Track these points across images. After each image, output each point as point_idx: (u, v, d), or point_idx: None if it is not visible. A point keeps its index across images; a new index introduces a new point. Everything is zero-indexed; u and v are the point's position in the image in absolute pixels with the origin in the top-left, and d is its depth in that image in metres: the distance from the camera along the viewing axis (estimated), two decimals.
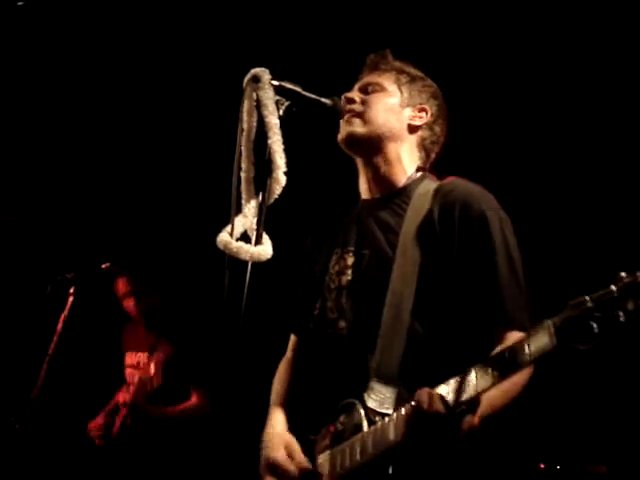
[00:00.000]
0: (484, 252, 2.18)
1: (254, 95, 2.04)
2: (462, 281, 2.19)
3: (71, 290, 4.30)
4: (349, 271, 2.38)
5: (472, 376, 1.77)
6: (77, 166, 5.55)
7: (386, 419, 2.00)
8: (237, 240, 1.97)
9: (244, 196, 2.08)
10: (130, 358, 4.63)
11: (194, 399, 4.40)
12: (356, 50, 2.64)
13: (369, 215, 2.42)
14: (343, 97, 2.39)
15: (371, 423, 2.05)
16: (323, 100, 2.24)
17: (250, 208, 2.05)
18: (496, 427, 2.09)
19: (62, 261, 4.91)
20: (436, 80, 2.59)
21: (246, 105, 2.05)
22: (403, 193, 2.40)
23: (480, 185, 2.33)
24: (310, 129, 2.38)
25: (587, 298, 1.54)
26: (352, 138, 2.42)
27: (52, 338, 4.17)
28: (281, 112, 2.05)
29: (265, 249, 1.97)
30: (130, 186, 5.61)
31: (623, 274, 1.49)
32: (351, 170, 2.54)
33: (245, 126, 2.05)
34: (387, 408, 2.05)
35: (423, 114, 2.50)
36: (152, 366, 4.40)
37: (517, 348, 1.69)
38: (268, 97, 2.02)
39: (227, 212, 2.00)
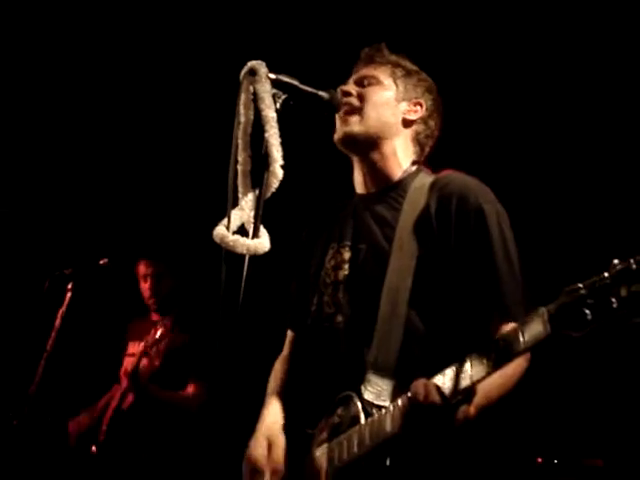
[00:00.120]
0: (481, 246, 2.19)
1: (251, 88, 2.02)
2: (459, 275, 2.20)
3: (69, 286, 4.31)
4: (346, 265, 2.38)
5: (467, 366, 1.78)
6: (75, 161, 5.54)
7: (383, 411, 2.00)
8: (234, 234, 1.97)
9: (241, 189, 2.06)
10: (133, 347, 4.63)
11: (190, 389, 4.41)
12: (352, 43, 2.63)
13: (365, 209, 2.43)
14: (339, 90, 2.38)
15: (368, 415, 2.05)
16: (320, 93, 2.24)
17: (247, 201, 2.05)
18: (493, 420, 2.10)
19: (60, 257, 4.92)
20: (429, 73, 2.59)
21: (243, 98, 2.04)
22: (399, 187, 2.40)
23: (476, 178, 2.33)
24: (307, 122, 2.38)
25: (580, 285, 1.55)
26: (349, 138, 2.42)
27: (50, 334, 4.18)
28: (278, 105, 2.04)
29: (262, 242, 1.96)
30: (127, 181, 5.60)
31: (616, 261, 1.50)
32: (347, 164, 2.54)
33: (242, 119, 2.04)
34: (384, 400, 2.06)
35: (418, 108, 2.49)
36: (160, 330, 4.38)
37: (511, 337, 1.70)
38: (265, 90, 2.01)
39: (224, 206, 2.00)
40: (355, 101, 2.43)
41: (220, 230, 1.96)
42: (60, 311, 4.24)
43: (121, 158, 5.55)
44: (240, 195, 2.07)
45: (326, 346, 2.33)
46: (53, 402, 4.87)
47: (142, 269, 4.79)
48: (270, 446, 2.28)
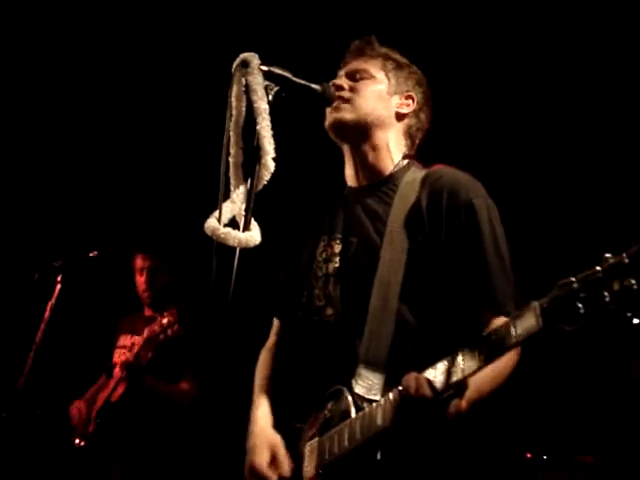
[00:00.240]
0: (472, 241, 2.19)
1: (243, 80, 2.01)
2: (450, 269, 2.20)
3: (58, 278, 4.29)
4: (336, 259, 2.38)
5: (459, 359, 1.78)
6: (65, 154, 5.52)
7: (374, 405, 2.00)
8: (225, 226, 1.96)
9: (232, 182, 2.06)
10: (124, 340, 4.62)
11: (184, 385, 4.41)
12: (345, 36, 2.62)
13: (356, 202, 2.42)
14: (331, 84, 2.37)
15: (359, 409, 2.05)
16: (313, 86, 2.23)
17: (238, 194, 2.04)
18: (484, 416, 2.10)
19: (50, 249, 4.90)
20: (418, 66, 2.60)
21: (235, 90, 2.03)
22: (390, 181, 2.40)
23: (467, 173, 2.33)
24: (299, 115, 2.37)
25: (573, 279, 1.55)
26: (340, 124, 2.41)
27: (39, 326, 4.17)
28: (270, 97, 2.03)
29: (253, 235, 1.96)
30: (117, 172, 5.59)
31: (608, 255, 1.50)
32: (339, 157, 2.53)
33: (234, 111, 2.03)
34: (375, 394, 2.05)
35: (410, 101, 2.49)
36: (166, 318, 4.36)
37: (503, 330, 1.69)
38: (257, 82, 2.00)
39: (216, 199, 1.99)
40: (348, 95, 2.42)
41: (211, 222, 1.96)
42: (49, 303, 4.22)
43: (112, 150, 5.53)
44: (232, 187, 2.06)
45: (316, 339, 2.32)
46: (42, 394, 4.86)
47: (139, 262, 4.77)
48: (273, 452, 2.25)
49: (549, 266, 4.14)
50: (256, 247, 1.96)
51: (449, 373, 1.79)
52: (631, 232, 1.52)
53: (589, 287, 1.51)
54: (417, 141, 2.54)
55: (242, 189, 2.04)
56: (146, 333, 4.37)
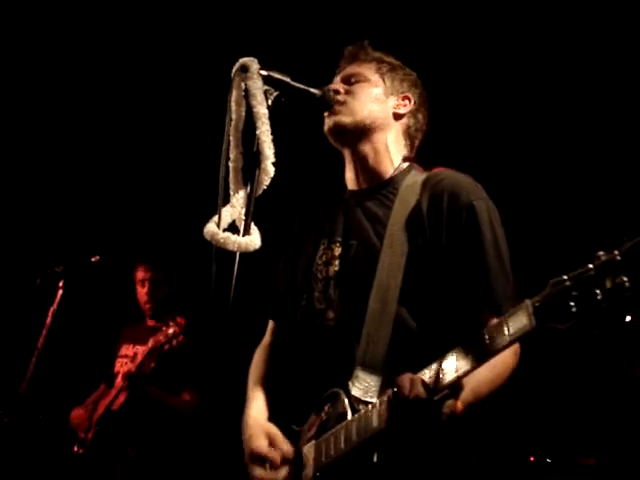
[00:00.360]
0: (472, 243, 2.20)
1: (242, 85, 2.02)
2: (450, 272, 2.20)
3: (60, 283, 4.29)
4: (336, 262, 2.38)
5: (452, 360, 1.78)
6: (67, 159, 5.53)
7: (370, 407, 2.00)
8: (225, 231, 1.96)
9: (232, 186, 2.06)
10: (126, 349, 4.61)
11: (186, 397, 4.40)
12: (344, 40, 2.63)
13: (356, 206, 2.43)
14: (328, 89, 2.38)
15: (355, 411, 2.05)
16: (312, 90, 2.24)
17: (238, 199, 2.04)
18: (487, 419, 2.09)
19: (52, 254, 4.90)
20: (413, 69, 2.61)
21: (234, 95, 2.04)
22: (390, 184, 2.41)
23: (468, 175, 2.33)
24: (299, 120, 2.38)
25: (565, 277, 1.55)
26: (339, 128, 2.42)
27: (41, 332, 4.16)
28: (270, 102, 2.04)
29: (253, 239, 1.96)
30: (118, 178, 5.59)
31: (601, 253, 1.49)
32: (339, 161, 2.54)
33: (233, 116, 2.04)
34: (371, 397, 2.06)
35: (407, 102, 2.51)
36: (171, 328, 4.35)
37: (496, 330, 1.70)
38: (256, 87, 2.01)
39: (215, 203, 1.99)
40: (344, 98, 2.42)
41: (211, 227, 1.96)
42: (51, 309, 4.22)
43: (113, 155, 5.54)
44: (231, 192, 2.06)
45: (316, 342, 2.33)
46: (44, 400, 4.86)
47: (140, 274, 4.76)
48: (271, 439, 2.26)
49: (543, 264, 4.13)
50: (256, 251, 1.96)
51: (443, 374, 1.79)
52: (624, 229, 1.51)
53: (581, 285, 1.51)
54: (416, 142, 2.55)
55: (242, 194, 2.04)
56: (151, 343, 4.35)
